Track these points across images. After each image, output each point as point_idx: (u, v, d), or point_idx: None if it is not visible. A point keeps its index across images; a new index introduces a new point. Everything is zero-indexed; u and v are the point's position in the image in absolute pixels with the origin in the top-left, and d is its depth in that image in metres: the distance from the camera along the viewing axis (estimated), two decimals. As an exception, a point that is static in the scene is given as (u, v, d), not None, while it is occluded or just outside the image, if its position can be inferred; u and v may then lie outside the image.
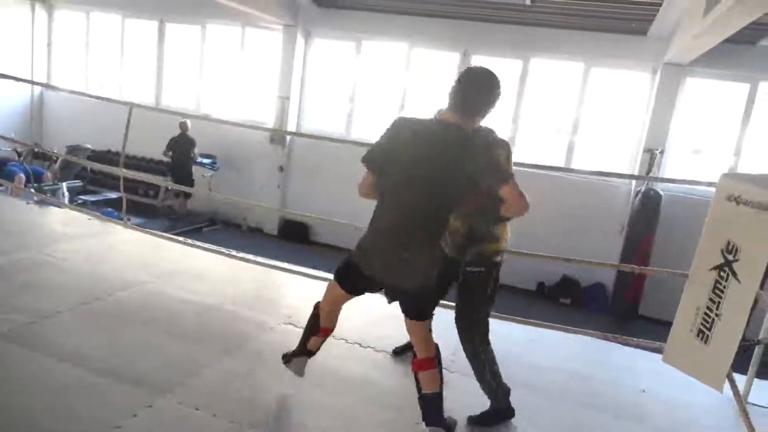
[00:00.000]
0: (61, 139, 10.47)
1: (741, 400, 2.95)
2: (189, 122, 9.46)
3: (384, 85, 9.75)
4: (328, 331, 2.59)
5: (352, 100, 9.80)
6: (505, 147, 2.56)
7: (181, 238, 5.23)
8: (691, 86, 8.21)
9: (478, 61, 9.08)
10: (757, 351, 3.11)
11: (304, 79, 10.19)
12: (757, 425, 2.61)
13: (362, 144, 3.33)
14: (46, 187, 7.24)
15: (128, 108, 4.83)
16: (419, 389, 2.36)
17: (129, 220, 5.39)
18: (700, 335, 2.74)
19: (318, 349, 2.62)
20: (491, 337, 2.65)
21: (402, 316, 2.41)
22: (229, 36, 10.54)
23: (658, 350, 3.13)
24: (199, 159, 9.86)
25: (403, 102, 9.46)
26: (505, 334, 3.39)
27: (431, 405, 2.34)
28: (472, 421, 2.63)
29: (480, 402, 2.67)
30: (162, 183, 8.41)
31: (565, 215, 8.30)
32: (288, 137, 10.21)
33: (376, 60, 9.83)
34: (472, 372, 2.66)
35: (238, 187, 9.95)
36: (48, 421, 2.27)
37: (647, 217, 7.99)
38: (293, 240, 9.97)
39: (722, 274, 2.64)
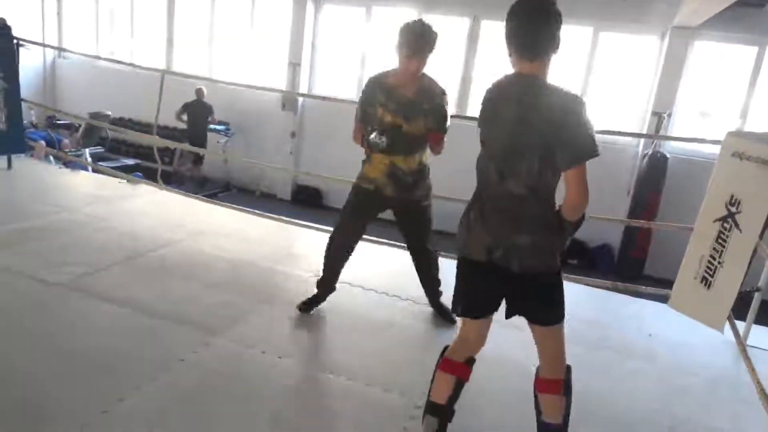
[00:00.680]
0: (75, 107, 10.62)
1: (741, 341, 3.22)
2: (205, 89, 9.61)
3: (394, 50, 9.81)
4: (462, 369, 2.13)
5: (362, 66, 9.89)
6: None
7: (210, 200, 5.48)
8: (700, 49, 8.29)
9: (488, 26, 9.14)
10: (756, 297, 3.36)
11: (315, 46, 10.26)
12: (756, 363, 2.87)
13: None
14: (69, 153, 7.45)
15: (160, 75, 4.98)
16: (538, 413, 2.06)
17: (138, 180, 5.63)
18: (704, 281, 2.99)
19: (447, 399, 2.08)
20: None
21: None
22: (239, 3, 10.57)
23: (664, 299, 3.39)
24: (213, 126, 10.03)
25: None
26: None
27: None
28: None
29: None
30: (186, 147, 8.57)
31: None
32: (299, 103, 10.34)
33: (386, 26, 9.88)
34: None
35: (251, 153, 10.16)
36: (117, 358, 2.54)
37: (654, 178, 8.20)
38: (306, 205, 10.21)
39: (725, 225, 2.87)
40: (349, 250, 3.08)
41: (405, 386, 2.59)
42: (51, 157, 7.49)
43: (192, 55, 11.18)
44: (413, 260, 3.18)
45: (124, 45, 11.65)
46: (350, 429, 2.34)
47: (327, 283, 3.15)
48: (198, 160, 10.38)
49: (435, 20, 10.74)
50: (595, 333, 3.45)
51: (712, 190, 2.96)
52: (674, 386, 2.91)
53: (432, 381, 2.06)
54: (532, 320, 2.00)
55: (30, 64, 11.64)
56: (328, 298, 3.19)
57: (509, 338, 2.68)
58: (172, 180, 10.16)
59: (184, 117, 9.73)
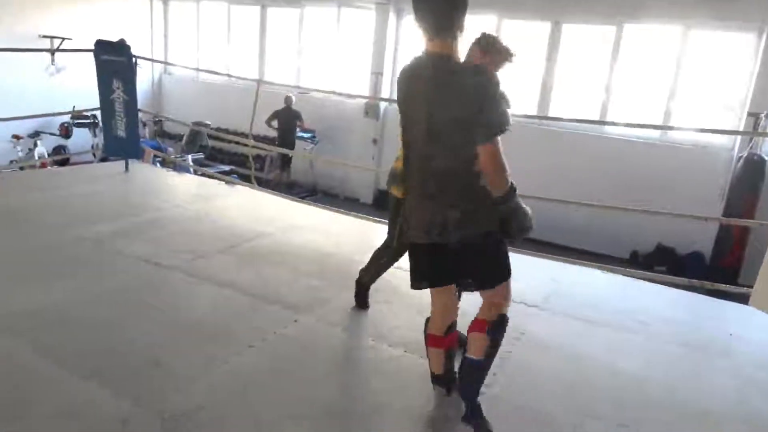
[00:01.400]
0: (177, 117, 11.64)
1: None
2: (294, 97, 10.24)
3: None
4: (444, 342, 2.41)
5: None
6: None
7: (298, 199, 5.92)
8: (803, 46, 7.78)
9: (569, 30, 9.08)
10: None
11: (396, 56, 10.61)
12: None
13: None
14: (174, 158, 8.24)
15: (255, 84, 5.45)
16: (464, 351, 2.24)
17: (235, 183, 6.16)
18: (787, 278, 2.93)
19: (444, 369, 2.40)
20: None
21: None
22: (325, 17, 11.15)
23: (745, 298, 3.33)
24: (301, 133, 10.63)
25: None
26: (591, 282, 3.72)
27: (470, 373, 2.23)
28: None
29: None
30: (276, 150, 9.18)
31: (660, 182, 8.22)
32: (381, 111, 10.72)
33: (465, 34, 10.02)
34: None
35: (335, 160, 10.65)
36: (221, 329, 2.91)
37: (750, 182, 7.75)
38: (386, 208, 10.51)
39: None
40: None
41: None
42: (158, 162, 8.31)
43: (282, 67, 11.89)
44: None
45: (220, 60, 12.58)
46: (417, 396, 2.55)
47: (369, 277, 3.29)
48: (286, 165, 11.02)
49: (515, 26, 10.75)
50: (672, 329, 3.45)
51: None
52: (751, 381, 2.88)
53: (428, 356, 2.38)
54: (477, 287, 2.17)
55: (141, 79, 12.90)
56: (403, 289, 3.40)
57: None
58: (262, 186, 10.89)
59: (274, 123, 10.39)
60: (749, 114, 7.93)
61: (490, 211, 2.02)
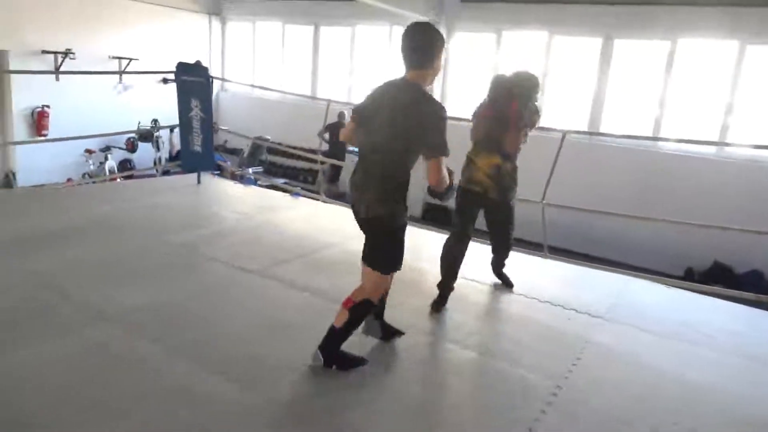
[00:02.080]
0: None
1: None
2: (346, 113, 10.59)
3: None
4: None
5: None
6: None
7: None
8: None
9: (621, 45, 9.11)
10: None
11: (446, 70, 10.83)
12: None
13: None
14: (236, 172, 8.66)
15: (309, 101, 5.74)
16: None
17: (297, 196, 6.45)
18: None
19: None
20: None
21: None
22: (377, 35, 11.50)
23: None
24: (351, 147, 10.94)
25: (542, 90, 9.72)
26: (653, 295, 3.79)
27: (330, 335, 2.69)
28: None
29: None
30: (328, 161, 9.54)
31: (716, 198, 8.13)
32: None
33: (516, 49, 10.19)
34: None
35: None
36: (302, 328, 3.15)
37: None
38: (435, 222, 10.70)
39: None
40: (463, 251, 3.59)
41: (547, 370, 2.91)
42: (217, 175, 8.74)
43: (335, 84, 12.29)
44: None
45: (275, 77, 13.10)
46: (495, 398, 2.71)
47: (446, 284, 3.59)
48: (334, 178, 11.35)
49: (566, 41, 10.83)
50: (736, 342, 3.50)
51: None
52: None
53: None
54: (362, 258, 2.71)
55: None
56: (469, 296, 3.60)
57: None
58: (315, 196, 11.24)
59: (326, 136, 10.73)
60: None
61: (400, 205, 2.62)
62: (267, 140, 9.23)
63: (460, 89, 10.81)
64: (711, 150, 8.49)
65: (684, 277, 8.72)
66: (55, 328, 2.90)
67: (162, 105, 9.31)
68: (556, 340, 3.29)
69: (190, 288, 3.56)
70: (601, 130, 9.07)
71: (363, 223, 2.71)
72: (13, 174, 9.71)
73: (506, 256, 3.95)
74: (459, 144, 3.26)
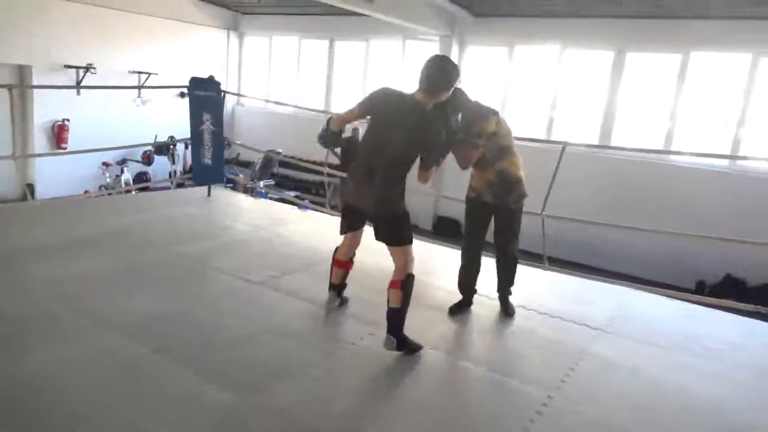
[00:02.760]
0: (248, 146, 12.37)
1: None
2: (360, 128, 10.68)
3: (536, 87, 10.13)
4: (346, 265, 3.54)
5: (503, 103, 10.31)
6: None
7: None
8: None
9: (634, 58, 9.12)
10: None
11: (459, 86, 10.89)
12: None
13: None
14: (248, 185, 8.79)
15: (322, 115, 5.82)
16: (387, 303, 3.06)
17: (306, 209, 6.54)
18: None
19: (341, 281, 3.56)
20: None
21: None
22: (390, 49, 11.64)
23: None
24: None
25: (554, 103, 9.78)
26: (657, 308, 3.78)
27: (392, 317, 3.04)
28: None
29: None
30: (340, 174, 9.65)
31: (728, 211, 8.05)
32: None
33: (528, 63, 10.24)
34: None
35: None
36: (309, 337, 3.22)
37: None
38: (446, 235, 10.72)
39: None
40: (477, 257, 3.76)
41: (541, 381, 2.93)
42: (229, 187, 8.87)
43: (347, 98, 12.43)
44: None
45: (290, 91, 13.29)
46: (485, 408, 2.73)
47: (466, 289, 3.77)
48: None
49: (578, 54, 10.86)
50: (742, 356, 3.48)
51: None
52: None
53: (330, 272, 3.52)
54: (385, 243, 3.09)
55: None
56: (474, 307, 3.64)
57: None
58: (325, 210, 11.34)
59: (338, 151, 10.84)
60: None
61: (401, 199, 3.07)
62: (278, 153, 9.35)
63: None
64: (723, 163, 8.43)
65: (695, 290, 8.63)
66: (67, 334, 3.01)
67: (179, 118, 9.48)
68: (552, 351, 3.31)
69: (198, 298, 3.66)
70: (613, 143, 9.05)
71: (373, 215, 3.10)
72: (32, 187, 9.96)
73: (508, 275, 3.80)
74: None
